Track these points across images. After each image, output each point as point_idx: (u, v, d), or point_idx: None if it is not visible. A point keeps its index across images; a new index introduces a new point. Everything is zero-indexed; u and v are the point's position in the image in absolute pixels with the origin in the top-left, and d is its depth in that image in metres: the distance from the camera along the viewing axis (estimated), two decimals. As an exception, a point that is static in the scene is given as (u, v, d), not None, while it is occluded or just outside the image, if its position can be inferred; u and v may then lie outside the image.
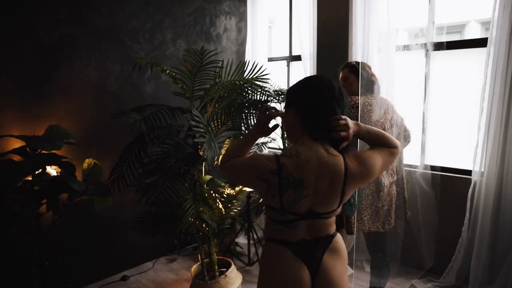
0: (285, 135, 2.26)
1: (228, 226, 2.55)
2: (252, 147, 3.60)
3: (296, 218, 1.27)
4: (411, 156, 3.01)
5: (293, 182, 1.23)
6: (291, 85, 1.63)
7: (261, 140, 3.54)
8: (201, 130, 2.15)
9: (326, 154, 1.25)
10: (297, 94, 1.33)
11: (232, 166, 1.33)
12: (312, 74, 3.49)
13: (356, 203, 2.18)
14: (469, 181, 2.73)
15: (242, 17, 4.00)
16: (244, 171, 1.30)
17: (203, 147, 2.07)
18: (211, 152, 2.08)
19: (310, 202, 1.26)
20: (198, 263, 2.73)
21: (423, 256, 2.90)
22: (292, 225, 1.28)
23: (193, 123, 2.15)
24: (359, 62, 2.41)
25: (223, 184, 3.23)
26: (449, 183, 2.87)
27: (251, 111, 2.69)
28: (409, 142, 2.49)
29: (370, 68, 2.44)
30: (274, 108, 1.38)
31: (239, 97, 2.59)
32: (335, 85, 1.30)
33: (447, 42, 2.80)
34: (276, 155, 1.26)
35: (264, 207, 3.06)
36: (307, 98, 1.29)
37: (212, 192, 2.65)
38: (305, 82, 1.33)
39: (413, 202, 2.85)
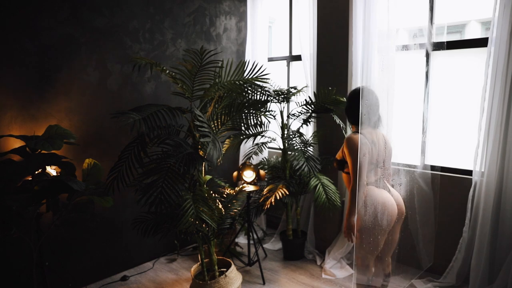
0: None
1: (228, 226, 2.55)
2: (252, 147, 3.60)
3: None
4: (411, 156, 3.01)
5: None
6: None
7: (261, 140, 3.54)
8: (206, 130, 2.15)
9: None
10: None
11: None
12: (310, 75, 3.49)
13: None
14: (469, 181, 2.73)
15: (242, 17, 4.00)
16: None
17: (209, 147, 2.08)
18: (216, 152, 2.08)
19: None
20: (198, 263, 2.73)
21: (422, 256, 2.89)
22: None
23: (198, 123, 2.16)
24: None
25: (223, 184, 3.22)
26: (450, 183, 2.87)
27: (251, 111, 2.68)
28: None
29: None
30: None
31: (239, 97, 2.59)
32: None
33: (447, 42, 2.80)
34: None
35: (264, 207, 3.06)
36: None
37: (212, 192, 2.65)
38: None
39: (413, 202, 2.85)
